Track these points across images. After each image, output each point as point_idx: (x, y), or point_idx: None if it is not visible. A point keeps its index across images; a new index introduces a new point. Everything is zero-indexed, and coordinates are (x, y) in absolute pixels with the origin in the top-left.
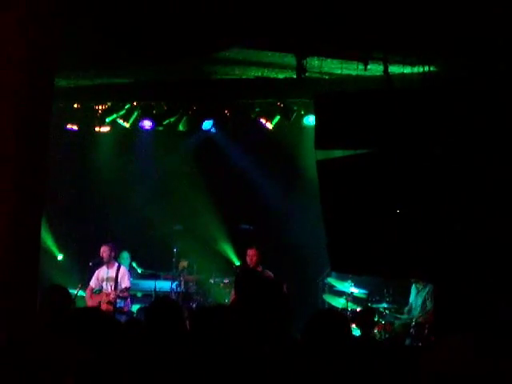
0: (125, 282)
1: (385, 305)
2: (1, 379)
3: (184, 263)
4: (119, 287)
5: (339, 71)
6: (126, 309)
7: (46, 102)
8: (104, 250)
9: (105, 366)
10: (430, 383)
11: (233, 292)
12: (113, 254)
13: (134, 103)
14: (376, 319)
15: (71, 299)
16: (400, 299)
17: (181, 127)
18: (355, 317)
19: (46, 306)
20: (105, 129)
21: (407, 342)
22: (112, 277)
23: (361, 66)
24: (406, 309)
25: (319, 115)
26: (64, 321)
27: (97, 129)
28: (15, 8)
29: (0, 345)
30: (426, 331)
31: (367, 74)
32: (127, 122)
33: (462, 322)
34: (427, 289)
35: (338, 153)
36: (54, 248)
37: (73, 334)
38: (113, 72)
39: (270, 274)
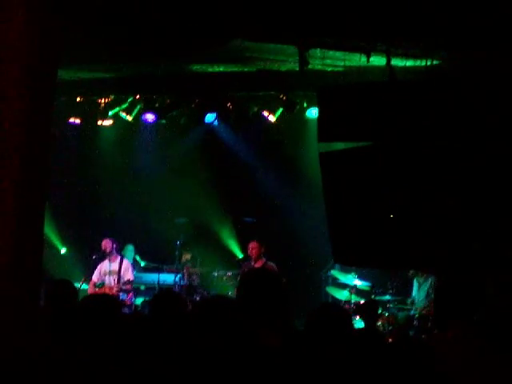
0: (128, 274)
1: (388, 297)
2: (5, 372)
3: (187, 256)
4: (122, 280)
5: (342, 63)
6: (128, 302)
7: (49, 95)
8: (105, 244)
9: (108, 359)
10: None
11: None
12: (115, 246)
13: (137, 96)
14: (379, 311)
15: (77, 293)
16: (403, 292)
17: (183, 120)
18: (359, 309)
19: (52, 300)
20: (107, 122)
21: (410, 334)
22: (115, 270)
23: (363, 58)
24: (409, 301)
25: (322, 108)
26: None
27: (99, 122)
28: (17, 2)
29: (4, 337)
30: (430, 324)
31: (370, 65)
32: (130, 116)
33: (462, 314)
34: (429, 281)
35: (341, 145)
36: (57, 241)
37: (79, 325)
38: (115, 65)
39: (273, 266)
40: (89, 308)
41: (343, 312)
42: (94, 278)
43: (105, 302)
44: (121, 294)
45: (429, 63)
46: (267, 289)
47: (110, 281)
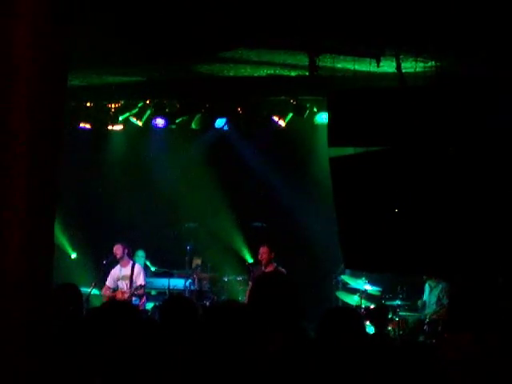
0: (140, 279)
1: (398, 302)
2: (11, 374)
3: (197, 261)
4: (134, 285)
5: (352, 68)
6: (141, 307)
7: (60, 101)
8: (117, 249)
9: (122, 365)
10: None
11: (247, 290)
12: (126, 251)
13: (147, 101)
14: (390, 316)
15: (82, 297)
16: (414, 296)
17: (193, 125)
18: (369, 314)
19: (56, 305)
20: (118, 127)
21: (421, 338)
22: (127, 275)
23: (373, 64)
24: (420, 306)
25: (332, 112)
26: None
27: (110, 127)
28: (26, 7)
29: (13, 342)
30: (440, 328)
31: (380, 71)
32: (140, 121)
33: (476, 319)
34: (440, 286)
35: (351, 150)
36: (67, 246)
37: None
38: (125, 70)
39: (283, 271)
40: (112, 313)
41: (355, 315)
42: (108, 283)
43: (127, 308)
44: (133, 298)
45: (438, 68)
46: (282, 293)
47: (123, 286)
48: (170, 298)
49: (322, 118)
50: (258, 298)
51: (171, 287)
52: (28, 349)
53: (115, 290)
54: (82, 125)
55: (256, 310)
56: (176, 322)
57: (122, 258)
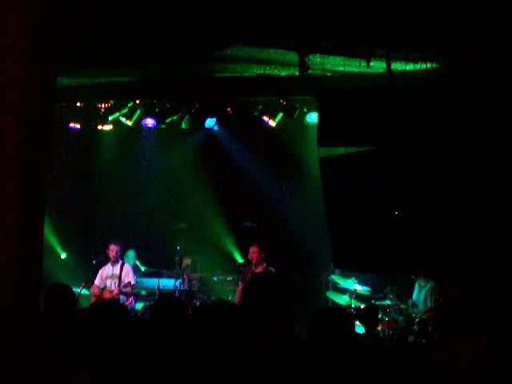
0: (128, 277)
1: (388, 302)
2: (5, 375)
3: (187, 261)
4: (122, 283)
5: (342, 68)
6: (129, 306)
7: (49, 100)
8: (113, 249)
9: (112, 364)
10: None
11: (237, 289)
12: (121, 252)
13: (137, 101)
14: (380, 316)
15: (74, 297)
16: (403, 296)
17: (183, 125)
18: (359, 314)
19: (50, 305)
20: (107, 127)
21: (410, 338)
22: (116, 274)
23: (363, 63)
24: (410, 305)
25: (322, 112)
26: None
27: (99, 127)
28: (18, 7)
29: (4, 343)
30: (430, 328)
31: (370, 71)
32: (130, 121)
33: (466, 320)
34: (428, 286)
35: (341, 150)
36: (57, 246)
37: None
38: (115, 70)
39: (273, 271)
40: (100, 313)
41: (345, 315)
42: (96, 282)
43: (115, 308)
44: (121, 297)
45: (428, 67)
46: (277, 294)
47: (111, 285)
48: (162, 298)
49: (312, 118)
50: (251, 298)
51: (161, 287)
52: (16, 346)
53: (103, 288)
54: (71, 125)
55: (248, 310)
56: (167, 321)
57: (115, 257)
